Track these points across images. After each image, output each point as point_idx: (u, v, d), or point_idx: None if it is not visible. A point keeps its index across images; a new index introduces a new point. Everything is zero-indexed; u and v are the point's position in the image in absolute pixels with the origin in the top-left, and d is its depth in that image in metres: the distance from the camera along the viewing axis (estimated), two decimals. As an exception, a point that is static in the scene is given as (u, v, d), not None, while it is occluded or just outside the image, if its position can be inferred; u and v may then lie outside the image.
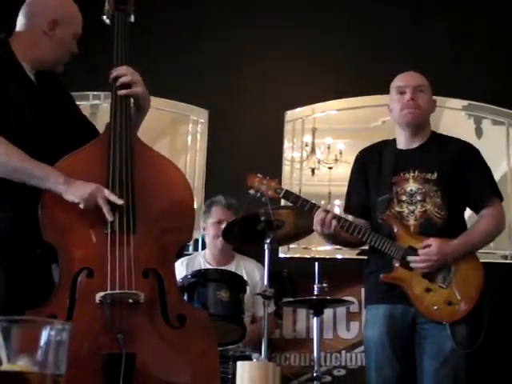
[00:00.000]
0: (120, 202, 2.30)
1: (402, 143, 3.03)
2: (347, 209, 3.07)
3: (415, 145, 3.00)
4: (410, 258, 2.80)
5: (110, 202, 2.28)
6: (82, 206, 2.26)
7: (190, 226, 2.56)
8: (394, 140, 3.06)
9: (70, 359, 0.98)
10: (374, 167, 3.02)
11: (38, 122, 2.46)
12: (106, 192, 2.29)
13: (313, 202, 2.94)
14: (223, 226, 3.85)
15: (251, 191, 3.03)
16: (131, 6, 2.72)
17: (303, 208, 2.92)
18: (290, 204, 3.09)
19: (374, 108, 4.83)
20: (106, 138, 2.46)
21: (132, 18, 2.73)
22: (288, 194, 2.99)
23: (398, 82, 3.03)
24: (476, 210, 2.97)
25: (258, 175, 3.04)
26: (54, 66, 2.57)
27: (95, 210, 2.28)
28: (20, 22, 2.56)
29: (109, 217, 2.28)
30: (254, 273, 4.06)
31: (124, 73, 2.54)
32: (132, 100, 2.55)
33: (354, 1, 5.21)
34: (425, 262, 2.78)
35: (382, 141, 3.14)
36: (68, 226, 2.33)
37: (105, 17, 2.70)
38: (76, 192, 2.27)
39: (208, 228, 4.13)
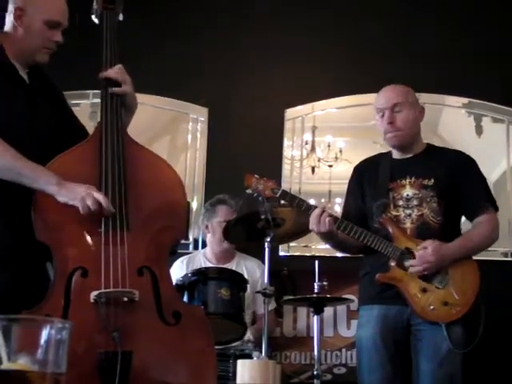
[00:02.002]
0: (110, 208, 2.28)
1: (397, 154, 3.05)
2: (344, 217, 3.08)
3: (410, 155, 3.03)
4: (407, 263, 2.80)
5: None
6: (80, 207, 2.25)
7: (182, 223, 2.57)
8: (390, 151, 3.09)
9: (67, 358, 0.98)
10: (372, 177, 3.05)
11: (31, 122, 2.45)
12: (97, 194, 2.28)
13: (310, 202, 2.95)
14: None
15: (248, 191, 3.03)
16: (120, 4, 2.70)
17: (300, 208, 2.93)
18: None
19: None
20: (98, 136, 2.45)
21: (121, 17, 2.71)
22: (285, 194, 3.00)
23: (376, 102, 3.03)
24: (471, 218, 2.98)
25: (255, 176, 3.04)
26: (32, 57, 2.51)
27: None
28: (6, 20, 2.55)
29: (107, 212, 2.28)
30: (254, 271, 4.06)
31: (114, 73, 2.54)
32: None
33: (354, -1, 5.22)
34: (422, 264, 2.78)
35: (379, 153, 3.18)
36: (61, 225, 2.32)
37: (93, 16, 2.69)
38: (69, 193, 2.26)
39: (214, 227, 4.10)
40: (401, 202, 2.92)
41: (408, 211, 2.90)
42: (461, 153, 3.10)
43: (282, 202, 3.12)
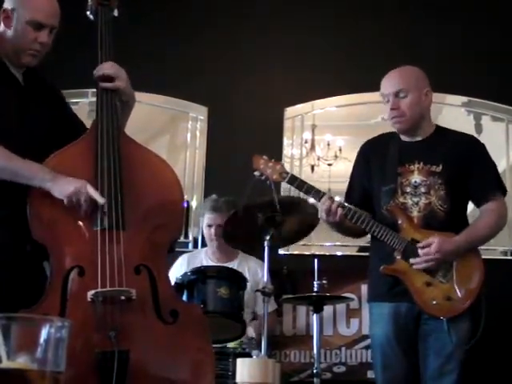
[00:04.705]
0: (102, 200, 2.28)
1: (405, 137, 3.01)
2: (348, 197, 3.06)
3: (419, 138, 2.99)
4: (412, 261, 2.79)
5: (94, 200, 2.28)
6: (65, 203, 2.25)
7: (179, 221, 2.57)
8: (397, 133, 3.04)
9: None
10: (379, 158, 2.99)
11: (23, 121, 2.44)
12: (90, 190, 2.28)
13: (318, 188, 2.91)
14: (213, 229, 4.05)
15: (256, 173, 2.99)
16: (114, 0, 2.69)
17: (308, 194, 2.90)
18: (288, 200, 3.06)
19: (374, 104, 4.82)
20: (93, 134, 2.45)
21: (116, 13, 2.69)
22: (293, 179, 2.95)
23: (381, 88, 2.98)
24: (478, 203, 2.95)
25: (264, 157, 3.00)
26: (17, 58, 2.48)
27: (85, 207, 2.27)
28: None
29: (82, 214, 2.27)
30: (257, 271, 4.06)
31: (108, 68, 2.52)
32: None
33: (354, -2, 5.22)
34: (426, 262, 2.77)
35: (387, 133, 3.10)
36: (57, 224, 2.32)
37: (88, 12, 2.67)
38: (61, 189, 2.26)
39: (204, 229, 4.21)
40: (408, 189, 2.89)
41: (415, 199, 2.88)
42: (471, 137, 3.07)
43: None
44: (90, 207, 2.27)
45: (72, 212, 2.28)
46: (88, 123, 2.64)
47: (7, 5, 2.47)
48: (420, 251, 2.78)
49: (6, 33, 2.47)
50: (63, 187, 2.27)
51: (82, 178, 2.33)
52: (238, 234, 3.58)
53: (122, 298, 2.18)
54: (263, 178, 2.97)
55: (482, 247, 2.97)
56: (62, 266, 2.26)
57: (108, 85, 2.51)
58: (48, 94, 2.61)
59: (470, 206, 3.02)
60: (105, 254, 2.24)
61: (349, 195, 3.06)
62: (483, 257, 2.91)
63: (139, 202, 2.39)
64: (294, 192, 4.52)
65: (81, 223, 2.31)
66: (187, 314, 2.32)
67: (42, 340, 0.94)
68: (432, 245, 2.76)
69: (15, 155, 2.30)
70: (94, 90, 2.58)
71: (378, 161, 2.99)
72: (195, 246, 4.78)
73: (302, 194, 3.08)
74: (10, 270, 2.34)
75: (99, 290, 2.18)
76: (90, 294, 2.18)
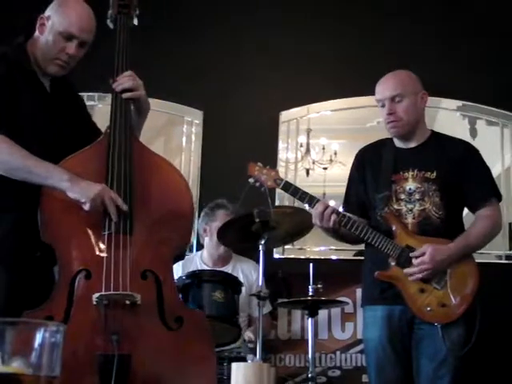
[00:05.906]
0: (125, 207, 2.31)
1: (400, 143, 3.02)
2: (345, 206, 3.06)
3: (413, 144, 2.99)
4: (406, 271, 2.79)
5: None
6: (87, 206, 2.26)
7: (188, 229, 2.58)
8: (392, 138, 3.04)
9: (66, 360, 0.98)
10: (374, 165, 3.00)
11: (48, 128, 2.46)
12: (113, 194, 2.30)
13: (312, 194, 2.92)
14: None
15: (250, 180, 3.00)
16: (134, 9, 2.73)
17: (302, 200, 2.91)
18: (285, 204, 3.07)
19: (369, 108, 4.82)
20: (106, 140, 2.47)
21: (135, 21, 2.74)
22: (287, 186, 2.96)
23: (376, 93, 2.98)
24: (473, 209, 2.95)
25: (259, 164, 3.01)
26: (44, 67, 2.51)
27: (94, 212, 2.28)
28: None
29: (114, 218, 2.29)
30: (250, 273, 4.05)
31: (126, 79, 2.55)
32: (132, 105, 2.57)
33: (350, 1, 5.21)
34: (421, 272, 2.77)
35: (382, 139, 3.10)
36: (66, 227, 2.34)
37: (108, 20, 2.72)
38: (82, 191, 2.27)
39: (212, 231, 4.06)
40: (403, 196, 2.89)
41: (410, 206, 2.87)
42: (465, 143, 3.07)
43: (277, 201, 3.10)
44: (114, 210, 2.28)
45: (81, 216, 2.30)
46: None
47: (46, 13, 2.50)
48: (414, 261, 2.78)
49: (39, 39, 2.50)
50: (85, 190, 2.27)
51: (92, 182, 2.34)
52: (232, 238, 3.58)
53: (127, 302, 2.19)
54: (258, 184, 2.99)
55: (477, 251, 2.98)
56: (70, 268, 2.28)
57: (129, 94, 2.54)
58: (71, 100, 2.64)
59: (465, 210, 3.03)
60: (111, 258, 2.25)
61: (346, 205, 3.07)
62: (478, 261, 2.92)
63: (150, 208, 2.41)
64: (289, 198, 4.55)
65: (90, 227, 2.33)
66: (192, 320, 2.33)
67: (36, 344, 0.94)
68: (425, 254, 2.76)
69: (31, 154, 2.31)
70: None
71: (372, 169, 3.00)
72: (190, 250, 4.77)
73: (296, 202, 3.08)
74: (18, 274, 2.34)
75: (103, 293, 2.19)
76: (95, 296, 2.19)
